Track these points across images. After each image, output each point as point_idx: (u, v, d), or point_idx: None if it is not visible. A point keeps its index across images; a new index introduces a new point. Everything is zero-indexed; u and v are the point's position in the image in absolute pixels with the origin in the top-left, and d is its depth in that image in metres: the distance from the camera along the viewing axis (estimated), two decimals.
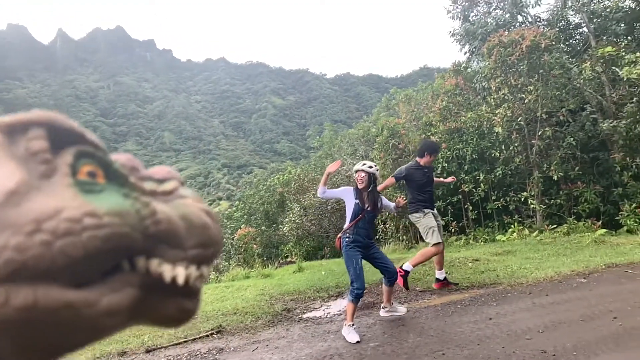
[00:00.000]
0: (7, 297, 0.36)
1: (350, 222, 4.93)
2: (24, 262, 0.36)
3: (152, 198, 0.47)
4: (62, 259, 0.37)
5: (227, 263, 12.83)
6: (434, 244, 5.89)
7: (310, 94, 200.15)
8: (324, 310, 6.11)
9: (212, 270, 12.55)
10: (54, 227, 0.37)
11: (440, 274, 6.37)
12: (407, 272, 5.90)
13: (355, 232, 4.91)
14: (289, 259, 12.70)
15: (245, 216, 20.37)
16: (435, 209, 6.27)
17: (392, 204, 5.38)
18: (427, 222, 5.96)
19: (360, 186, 4.99)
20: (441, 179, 6.66)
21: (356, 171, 5.04)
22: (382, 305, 5.44)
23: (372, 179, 4.99)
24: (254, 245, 12.30)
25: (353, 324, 4.88)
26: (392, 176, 6.18)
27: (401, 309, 5.39)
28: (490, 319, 4.98)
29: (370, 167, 4.98)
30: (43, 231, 0.37)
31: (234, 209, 23.91)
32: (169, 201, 0.49)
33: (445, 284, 6.36)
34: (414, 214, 6.09)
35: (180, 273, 0.44)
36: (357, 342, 4.65)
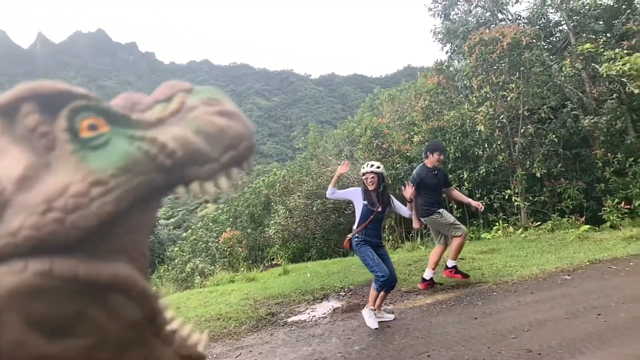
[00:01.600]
0: (26, 265, 0.38)
1: (360, 224, 4.95)
2: (40, 239, 0.38)
3: (161, 127, 0.47)
4: (75, 232, 0.39)
5: (212, 267, 12.71)
6: (460, 235, 6.01)
7: (296, 95, 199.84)
8: (309, 314, 6.03)
9: (197, 275, 12.39)
10: (64, 204, 0.39)
11: (428, 274, 6.29)
12: (454, 267, 6.20)
13: (365, 233, 4.94)
14: (274, 262, 12.60)
15: (230, 219, 20.23)
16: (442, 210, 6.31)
17: (406, 208, 5.35)
18: (448, 219, 6.03)
19: (371, 188, 4.98)
20: (469, 200, 6.45)
21: (364, 174, 5.02)
22: (369, 306, 5.34)
23: (381, 178, 5.02)
24: (239, 249, 12.19)
25: (374, 309, 5.02)
26: (411, 184, 6.00)
27: (389, 316, 5.30)
28: (476, 318, 4.94)
29: (378, 167, 5.00)
30: (54, 209, 0.39)
31: (219, 212, 23.73)
32: (180, 120, 0.48)
33: (430, 285, 6.31)
34: (430, 217, 6.07)
35: (223, 183, 0.45)
36: (375, 328, 4.82)
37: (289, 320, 5.90)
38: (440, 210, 6.04)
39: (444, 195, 6.63)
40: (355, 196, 5.10)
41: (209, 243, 15.07)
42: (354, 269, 8.19)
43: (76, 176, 0.41)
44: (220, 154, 0.47)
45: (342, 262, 9.46)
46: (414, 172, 6.31)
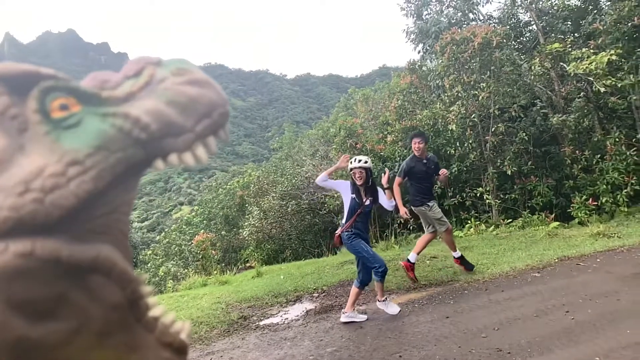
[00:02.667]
0: (7, 246, 0.37)
1: (349, 218, 5.03)
2: (19, 219, 0.37)
3: (132, 101, 0.46)
4: (56, 211, 0.38)
5: (185, 271, 12.50)
6: (446, 230, 6.29)
7: (271, 95, 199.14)
8: (281, 316, 5.96)
9: (170, 279, 12.17)
10: (41, 184, 0.38)
11: (413, 257, 6.45)
12: (460, 257, 6.47)
13: (355, 227, 5.02)
14: (248, 264, 12.47)
15: (204, 221, 19.97)
16: (434, 199, 6.59)
17: (388, 202, 5.28)
18: (436, 214, 6.23)
19: (359, 182, 5.04)
20: (400, 202, 6.37)
21: (352, 169, 5.05)
22: (343, 310, 5.32)
23: (369, 173, 5.08)
24: (213, 252, 12.02)
25: (386, 298, 5.19)
26: (397, 176, 6.29)
27: (361, 316, 5.29)
28: (447, 317, 4.95)
29: (366, 162, 5.04)
30: (32, 190, 0.38)
31: (194, 214, 23.41)
32: (151, 92, 0.48)
33: (411, 268, 6.42)
34: (419, 208, 6.33)
35: (202, 152, 0.45)
36: (399, 311, 5.08)
37: (261, 323, 5.81)
38: (431, 203, 6.25)
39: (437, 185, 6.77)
40: (344, 189, 5.16)
41: (182, 246, 14.84)
42: (328, 269, 8.14)
43: (52, 157, 0.40)
44: (194, 123, 0.47)
45: (316, 263, 9.40)
46: (403, 163, 6.44)
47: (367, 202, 5.05)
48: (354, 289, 5.24)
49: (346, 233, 5.03)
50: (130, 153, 0.43)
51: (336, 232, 5.21)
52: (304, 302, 6.49)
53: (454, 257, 6.54)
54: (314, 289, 6.93)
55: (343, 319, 5.24)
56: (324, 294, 6.67)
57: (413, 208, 6.40)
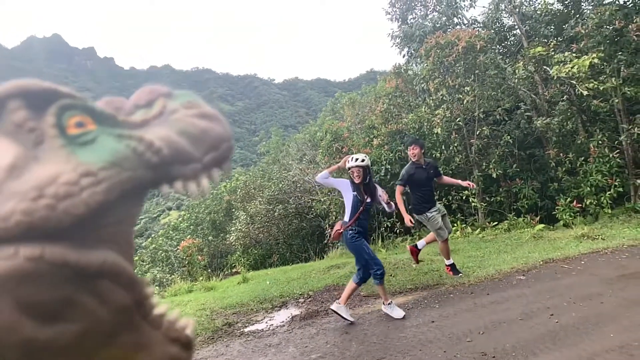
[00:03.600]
0: (17, 249, 0.39)
1: (352, 215, 5.08)
2: (31, 223, 0.39)
3: (146, 127, 0.48)
4: (67, 218, 0.40)
5: (171, 277, 12.35)
6: (441, 241, 6.42)
7: (260, 100, 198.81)
8: (266, 323, 5.90)
9: (155, 285, 12.00)
10: (55, 191, 0.40)
11: (422, 244, 6.95)
12: (451, 265, 6.55)
13: (358, 224, 5.08)
14: (235, 270, 12.36)
15: (191, 226, 19.78)
16: (437, 203, 6.66)
17: (387, 205, 5.37)
18: (434, 225, 6.32)
19: (357, 181, 5.12)
20: (458, 181, 6.68)
21: (349, 168, 5.14)
22: (338, 301, 5.38)
23: (367, 171, 5.15)
24: (199, 257, 11.89)
25: (391, 302, 5.19)
26: (398, 184, 6.38)
27: (350, 318, 5.30)
28: (433, 321, 4.93)
29: (363, 160, 5.11)
30: (45, 196, 0.40)
31: (181, 219, 23.20)
32: (163, 121, 0.50)
33: (416, 253, 6.96)
34: (420, 216, 6.46)
35: (205, 183, 0.47)
36: (404, 316, 5.05)
37: (246, 330, 5.75)
38: (431, 213, 6.31)
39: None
40: (344, 187, 5.20)
41: (169, 252, 14.67)
42: (314, 274, 8.10)
43: (66, 166, 0.42)
44: (202, 154, 0.49)
45: (303, 267, 9.35)
46: (403, 169, 6.49)
47: (368, 200, 5.15)
48: (351, 284, 5.29)
49: (350, 231, 5.07)
50: (140, 173, 0.44)
51: (335, 226, 5.23)
52: (289, 307, 6.44)
53: (446, 264, 6.60)
54: (300, 295, 6.88)
55: (333, 306, 5.32)
56: (309, 299, 6.63)
57: (415, 215, 6.53)
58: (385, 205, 5.34)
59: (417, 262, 7.02)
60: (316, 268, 8.73)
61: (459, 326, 4.68)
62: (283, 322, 5.81)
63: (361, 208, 5.09)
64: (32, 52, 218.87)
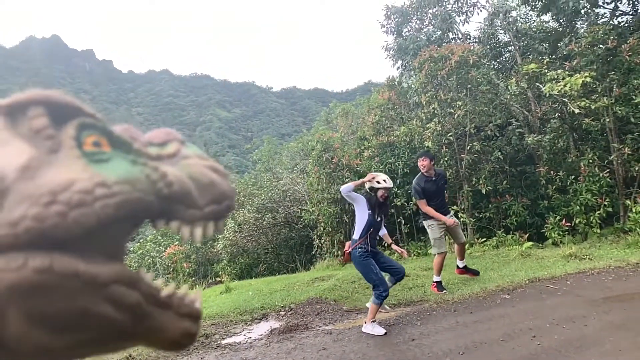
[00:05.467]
0: (25, 261, 0.38)
1: (364, 233, 5.09)
2: (42, 230, 0.38)
3: (159, 162, 0.49)
4: (76, 228, 0.39)
5: None
6: (438, 254, 6.44)
7: (257, 107, 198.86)
8: (244, 335, 5.77)
9: None
10: (68, 198, 0.39)
11: (460, 263, 6.87)
12: (438, 282, 6.48)
13: (368, 243, 5.10)
14: (219, 279, 12.17)
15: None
16: (449, 212, 6.75)
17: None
18: (432, 233, 6.44)
19: (381, 201, 5.26)
20: (441, 216, 6.51)
21: (378, 189, 5.20)
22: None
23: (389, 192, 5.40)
24: (185, 264, 11.70)
25: (375, 320, 5.12)
26: (419, 200, 6.48)
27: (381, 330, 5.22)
28: (413, 339, 4.82)
29: (390, 182, 5.27)
30: (58, 202, 0.39)
31: None
32: (175, 163, 0.50)
33: (465, 271, 6.88)
34: (425, 222, 6.62)
35: (198, 233, 0.47)
36: (385, 333, 4.96)
37: (223, 342, 5.62)
38: (431, 222, 6.39)
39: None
40: (361, 204, 5.18)
41: (155, 258, 14.47)
42: (298, 286, 7.96)
43: (82, 174, 0.42)
44: (205, 204, 0.49)
45: (287, 279, 9.21)
46: (414, 184, 6.55)
47: (378, 219, 5.23)
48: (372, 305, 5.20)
49: (359, 250, 5.06)
50: (150, 199, 0.44)
51: (345, 247, 5.33)
52: (269, 320, 6.30)
53: (434, 280, 6.54)
54: (282, 307, 6.75)
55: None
56: (290, 312, 6.50)
57: (423, 222, 6.73)
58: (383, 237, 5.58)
59: (475, 273, 6.90)
60: (300, 280, 8.59)
61: (439, 345, 4.58)
62: (262, 335, 5.68)
63: (372, 229, 5.10)
64: (31, 53, 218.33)
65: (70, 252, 0.40)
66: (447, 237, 6.81)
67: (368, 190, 5.25)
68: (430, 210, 6.30)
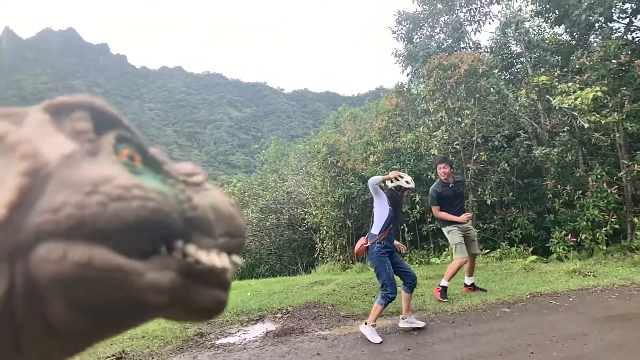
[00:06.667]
0: (65, 252, 0.38)
1: (384, 229, 5.11)
2: (82, 218, 0.38)
3: (185, 186, 0.50)
4: (115, 221, 0.39)
5: None
6: (459, 258, 6.40)
7: (267, 108, 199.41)
8: (239, 336, 5.74)
9: None
10: (109, 190, 0.40)
11: (468, 280, 6.83)
12: (444, 287, 6.42)
13: (387, 239, 5.13)
14: None
15: None
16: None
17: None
18: (452, 239, 6.41)
19: (404, 200, 5.48)
20: (453, 216, 6.62)
21: (405, 189, 5.27)
22: (402, 316, 5.41)
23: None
24: None
25: (375, 325, 5.09)
26: (433, 206, 6.55)
27: (419, 322, 5.35)
28: (409, 349, 4.76)
29: (411, 182, 5.34)
30: (99, 193, 0.39)
31: None
32: (198, 192, 0.51)
33: (472, 289, 6.72)
34: (443, 229, 6.67)
35: (216, 259, 0.47)
36: (381, 342, 4.93)
37: (218, 342, 5.59)
38: (451, 227, 6.39)
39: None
40: (383, 200, 5.21)
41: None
42: (297, 289, 7.92)
43: (121, 174, 0.42)
44: (220, 234, 0.49)
45: (287, 281, 9.16)
46: (431, 190, 6.61)
47: (396, 217, 5.30)
48: (404, 295, 5.30)
49: (377, 245, 5.08)
50: (175, 218, 0.44)
51: (360, 240, 5.32)
52: (265, 322, 6.26)
53: (441, 285, 6.51)
54: (279, 309, 6.71)
55: (402, 324, 5.36)
56: (287, 315, 6.45)
57: (442, 229, 6.75)
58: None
59: (478, 290, 6.76)
60: (300, 283, 8.54)
61: (434, 356, 4.52)
62: (256, 337, 5.65)
63: (391, 225, 5.14)
64: (46, 44, 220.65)
65: (107, 246, 0.40)
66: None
67: (394, 189, 5.28)
68: (443, 215, 6.38)
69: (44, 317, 0.40)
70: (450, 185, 6.42)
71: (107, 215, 0.39)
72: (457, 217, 6.32)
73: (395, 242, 5.73)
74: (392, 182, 5.28)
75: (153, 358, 5.17)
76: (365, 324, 5.15)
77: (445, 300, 6.36)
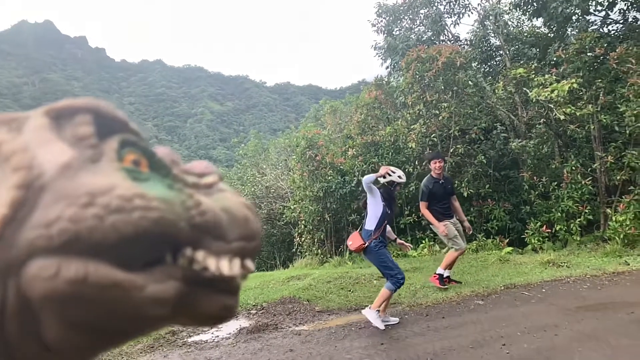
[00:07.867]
0: (58, 268, 0.36)
1: (379, 225, 5.16)
2: (77, 233, 0.37)
3: (194, 190, 0.49)
4: (113, 234, 0.38)
5: None
6: (457, 249, 6.37)
7: (249, 101, 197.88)
8: (212, 333, 5.66)
9: None
10: (107, 202, 0.38)
11: (446, 272, 6.64)
12: (441, 275, 6.49)
13: (382, 234, 5.20)
14: None
15: None
16: (454, 216, 6.61)
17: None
18: (448, 233, 6.29)
19: (394, 195, 5.45)
20: (464, 218, 6.79)
21: (397, 183, 5.34)
22: (370, 306, 5.32)
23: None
24: None
25: (378, 311, 5.17)
26: (422, 201, 6.48)
27: (393, 319, 5.34)
28: (382, 344, 4.74)
29: (403, 177, 5.38)
30: (96, 205, 0.38)
31: None
32: (210, 194, 0.50)
33: (445, 281, 6.61)
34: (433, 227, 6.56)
35: (225, 266, 0.45)
36: (385, 328, 5.05)
37: (189, 340, 5.50)
38: (445, 221, 6.32)
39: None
40: (377, 197, 5.25)
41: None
42: (272, 285, 7.85)
43: (122, 183, 0.40)
44: (234, 238, 0.47)
45: (263, 276, 9.08)
46: (422, 184, 6.59)
47: (389, 212, 5.36)
48: (384, 291, 5.21)
49: (375, 240, 5.14)
50: (181, 226, 0.42)
51: (353, 237, 5.32)
52: (239, 318, 6.18)
53: (436, 272, 6.55)
54: (253, 305, 6.64)
55: (366, 313, 5.30)
56: (262, 311, 6.38)
57: (431, 226, 6.69)
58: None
59: (451, 282, 6.72)
60: (276, 278, 8.48)
61: (407, 350, 4.49)
62: (229, 334, 5.57)
63: (385, 220, 5.21)
64: (22, 37, 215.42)
65: (104, 260, 0.38)
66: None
67: (387, 184, 5.31)
68: (428, 215, 6.34)
69: (38, 335, 0.38)
70: (440, 182, 6.40)
71: (105, 229, 0.38)
72: (438, 222, 6.25)
73: (401, 242, 5.79)
74: (384, 177, 5.27)
75: (123, 357, 5.05)
76: (369, 307, 5.24)
77: (446, 287, 6.43)
